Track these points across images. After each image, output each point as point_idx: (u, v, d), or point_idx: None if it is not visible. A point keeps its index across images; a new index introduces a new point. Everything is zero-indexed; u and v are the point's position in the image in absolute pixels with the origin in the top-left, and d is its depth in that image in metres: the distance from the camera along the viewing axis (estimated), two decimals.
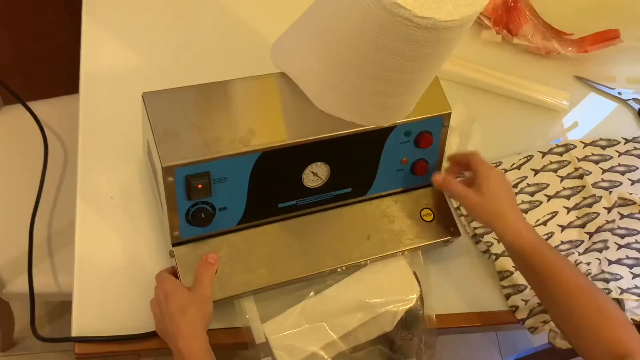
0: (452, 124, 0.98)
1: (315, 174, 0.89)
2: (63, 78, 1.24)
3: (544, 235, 1.03)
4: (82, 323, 0.86)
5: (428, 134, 0.91)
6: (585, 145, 1.15)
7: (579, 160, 1.11)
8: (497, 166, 1.09)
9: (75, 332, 0.85)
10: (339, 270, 0.92)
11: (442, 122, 0.91)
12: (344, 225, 0.93)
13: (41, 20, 1.48)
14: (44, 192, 1.08)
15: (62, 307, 1.53)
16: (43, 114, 1.20)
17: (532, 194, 1.07)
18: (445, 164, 0.98)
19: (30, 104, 1.18)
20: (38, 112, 1.17)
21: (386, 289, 0.93)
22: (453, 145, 1.04)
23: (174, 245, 0.86)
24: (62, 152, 1.26)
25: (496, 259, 1.00)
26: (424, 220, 0.97)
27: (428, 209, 0.97)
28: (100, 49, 1.09)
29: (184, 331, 0.77)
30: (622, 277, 1.01)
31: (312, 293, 0.92)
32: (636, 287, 1.00)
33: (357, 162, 0.90)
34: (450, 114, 0.92)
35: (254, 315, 0.88)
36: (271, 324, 0.89)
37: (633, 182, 1.11)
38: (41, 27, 1.50)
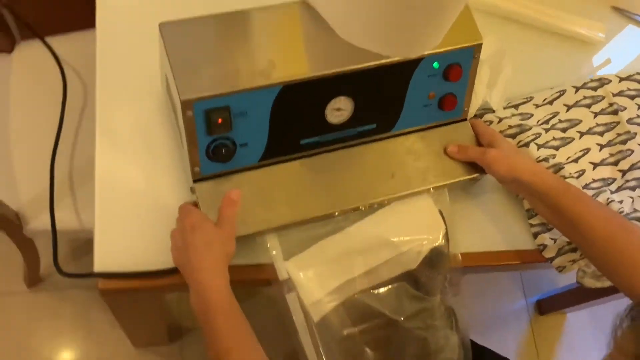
0: (482, 56, 0.93)
1: (339, 109, 0.86)
2: (81, 12, 1.20)
3: (576, 172, 1.00)
4: (105, 259, 0.85)
5: (457, 66, 0.87)
6: (621, 79, 1.09)
7: (613, 95, 1.06)
8: (528, 101, 1.05)
9: (97, 268, 0.85)
10: (361, 208, 0.90)
11: (472, 53, 0.87)
12: (368, 162, 0.91)
13: None
14: (64, 129, 1.07)
15: (87, 245, 1.53)
16: (61, 50, 1.17)
17: (564, 130, 1.03)
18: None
19: (48, 39, 1.15)
20: (56, 48, 1.15)
21: (411, 227, 0.92)
22: (483, 78, 0.99)
23: (194, 181, 0.84)
24: (81, 88, 1.24)
25: (524, 197, 0.97)
26: (451, 157, 0.94)
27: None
28: None
29: (207, 265, 0.76)
30: None
31: (335, 231, 0.90)
32: None
33: (383, 97, 0.87)
34: (481, 44, 0.87)
35: (277, 251, 0.87)
36: (295, 261, 0.88)
37: None
38: None
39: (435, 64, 0.86)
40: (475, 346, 1.08)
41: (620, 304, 1.68)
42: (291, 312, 0.86)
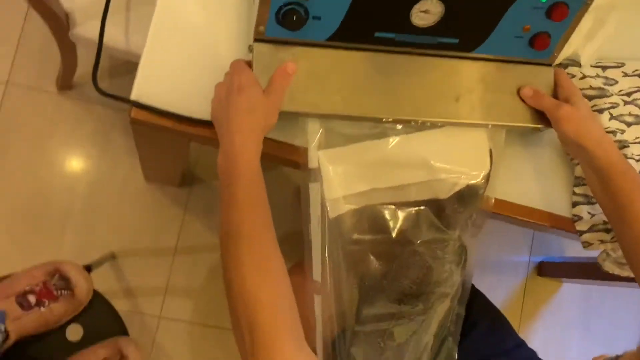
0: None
1: (426, 12, 0.79)
2: None
3: (637, 156, 0.94)
4: (144, 89, 0.82)
5: (565, 5, 0.79)
6: None
7: None
8: (618, 67, 0.97)
9: (134, 96, 0.82)
10: (413, 123, 0.85)
11: None
12: (437, 78, 0.85)
13: None
14: None
15: (126, 67, 1.51)
16: None
17: None
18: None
19: None
20: None
21: (456, 157, 0.87)
22: (583, 29, 0.91)
23: (255, 40, 0.79)
24: None
25: (578, 163, 0.92)
26: (522, 100, 0.88)
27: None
28: None
29: (244, 130, 0.73)
30: None
31: (379, 136, 0.86)
32: None
33: (477, 12, 0.80)
34: None
35: (314, 138, 0.83)
36: (328, 153, 0.84)
37: None
38: None
39: None
40: (471, 288, 1.07)
41: (619, 293, 1.66)
42: (310, 201, 0.84)
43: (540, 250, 1.76)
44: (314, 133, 0.83)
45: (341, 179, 0.85)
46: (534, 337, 1.72)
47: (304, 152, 0.83)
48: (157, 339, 1.53)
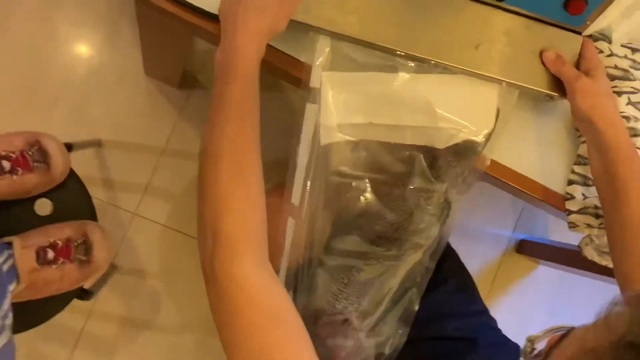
0: None
1: None
2: None
3: None
4: None
5: None
6: None
7: None
8: (633, 52, 0.93)
9: None
10: (426, 64, 0.81)
11: None
12: (462, 20, 0.81)
13: None
14: None
15: None
16: None
17: None
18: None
19: None
20: None
21: (461, 108, 0.84)
22: (623, 4, 0.86)
23: None
24: None
25: (584, 141, 0.89)
26: (542, 64, 0.84)
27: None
28: None
29: (250, 29, 0.69)
30: None
31: (388, 70, 0.82)
32: None
33: None
34: None
35: (321, 57, 0.80)
36: (333, 76, 0.81)
37: None
38: None
39: None
40: (447, 245, 1.06)
41: (590, 285, 1.66)
42: (304, 122, 0.81)
43: (524, 227, 1.75)
44: (322, 51, 0.79)
45: (340, 106, 0.82)
46: (498, 311, 1.72)
47: (307, 69, 0.80)
48: (129, 234, 1.52)
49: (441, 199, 0.91)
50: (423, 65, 0.82)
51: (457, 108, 0.84)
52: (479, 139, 0.85)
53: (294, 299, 0.90)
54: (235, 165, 0.66)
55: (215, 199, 0.65)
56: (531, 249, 1.71)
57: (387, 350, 0.94)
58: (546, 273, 1.76)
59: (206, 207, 0.66)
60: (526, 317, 1.73)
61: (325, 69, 0.80)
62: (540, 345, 0.57)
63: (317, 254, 0.92)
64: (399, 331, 0.94)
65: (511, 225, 1.74)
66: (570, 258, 1.54)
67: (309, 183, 0.83)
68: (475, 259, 1.71)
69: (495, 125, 0.85)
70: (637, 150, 0.86)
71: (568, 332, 0.53)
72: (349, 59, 0.81)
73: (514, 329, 1.69)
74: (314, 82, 0.80)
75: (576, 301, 1.77)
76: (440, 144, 0.86)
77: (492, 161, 0.88)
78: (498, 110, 0.85)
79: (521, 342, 0.67)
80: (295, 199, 0.84)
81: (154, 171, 1.52)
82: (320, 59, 0.79)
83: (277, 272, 0.87)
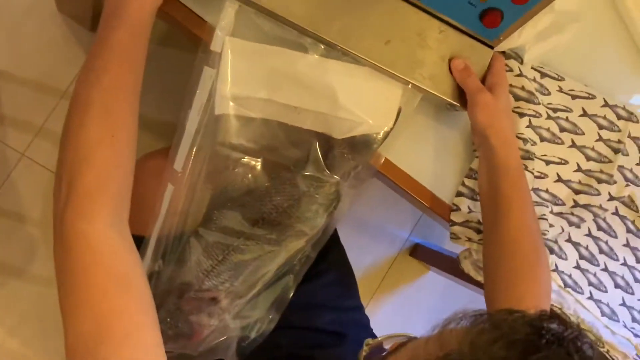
0: (555, 5, 0.81)
1: None
2: None
3: (538, 172, 0.92)
4: None
5: None
6: None
7: (629, 136, 0.96)
8: (556, 79, 0.94)
9: None
10: (334, 51, 0.79)
11: None
12: (377, 12, 0.79)
13: None
14: None
15: None
16: None
17: (562, 129, 0.94)
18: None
19: None
20: None
21: (364, 102, 0.82)
22: (539, 26, 0.86)
23: None
24: None
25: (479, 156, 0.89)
26: (450, 71, 0.83)
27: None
28: None
29: None
30: (566, 259, 0.93)
31: (296, 49, 0.79)
32: (570, 276, 0.93)
33: None
34: None
35: (227, 21, 0.75)
36: (236, 42, 0.77)
37: None
38: None
39: None
40: (333, 238, 1.04)
41: (474, 299, 1.70)
42: (199, 86, 0.77)
43: (422, 232, 1.76)
44: (228, 16, 0.75)
45: (240, 76, 0.78)
46: (379, 310, 1.73)
47: (209, 30, 0.75)
48: (13, 175, 1.43)
49: (332, 190, 0.89)
50: (332, 50, 0.79)
51: (359, 101, 0.82)
52: (377, 135, 0.84)
53: (163, 269, 0.86)
54: (105, 117, 0.61)
55: (77, 148, 0.60)
56: (424, 254, 1.73)
57: (253, 334, 0.92)
58: (435, 280, 1.79)
59: (66, 154, 0.61)
60: (404, 322, 1.75)
61: (229, 34, 0.76)
62: (377, 351, 0.56)
63: (192, 226, 0.88)
64: (269, 316, 0.92)
65: (409, 227, 1.75)
66: (458, 269, 1.56)
67: (194, 150, 0.79)
68: (369, 255, 1.72)
69: (394, 124, 0.84)
70: (527, 173, 0.87)
71: (406, 341, 0.52)
72: (256, 28, 0.77)
73: (393, 329, 1.71)
74: (214, 46, 0.76)
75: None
76: (338, 134, 0.84)
77: (387, 161, 0.87)
78: (399, 110, 0.83)
79: None
80: (178, 165, 0.80)
81: (51, 114, 1.43)
82: (224, 22, 0.75)
83: (149, 238, 0.83)
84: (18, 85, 1.41)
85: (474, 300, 1.77)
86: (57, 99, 1.43)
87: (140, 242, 0.79)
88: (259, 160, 0.86)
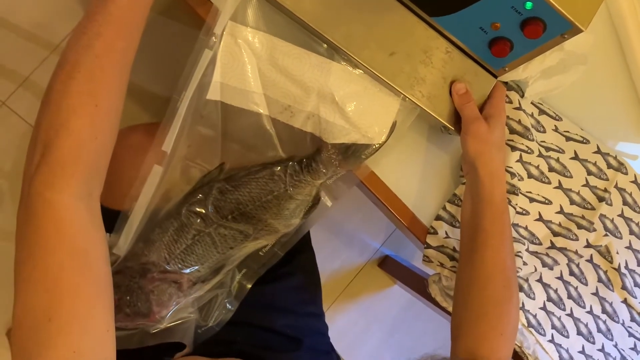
0: (566, 44, 0.79)
1: None
2: None
3: (521, 208, 0.91)
4: None
5: (543, 25, 0.72)
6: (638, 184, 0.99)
7: (616, 186, 0.96)
8: (554, 119, 0.93)
9: None
10: (337, 54, 0.77)
11: (566, 28, 0.72)
12: (386, 22, 0.77)
13: None
14: None
15: None
16: None
17: (551, 169, 0.93)
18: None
19: None
20: None
21: (360, 110, 0.80)
22: (546, 63, 0.85)
23: None
24: None
25: (464, 183, 0.88)
26: (449, 94, 0.81)
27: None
28: None
29: None
30: (534, 299, 0.92)
31: (304, 47, 0.77)
32: (535, 316, 0.92)
33: None
34: (578, 32, 0.73)
35: (232, 5, 0.73)
36: (240, 29, 0.74)
37: (630, 247, 0.98)
38: None
39: (529, 5, 0.70)
40: (304, 241, 1.02)
41: (435, 320, 1.68)
42: (196, 68, 0.74)
43: (393, 245, 1.75)
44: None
45: (238, 65, 0.76)
46: (339, 317, 1.72)
47: (214, 12, 0.73)
48: None
49: (312, 192, 0.87)
50: (335, 54, 0.77)
51: (356, 109, 0.80)
52: (368, 146, 0.82)
53: (133, 245, 0.84)
54: (91, 85, 0.58)
55: (57, 112, 0.57)
56: (392, 267, 1.72)
57: (210, 322, 0.90)
58: (399, 294, 1.78)
59: (45, 116, 0.58)
60: (363, 332, 1.74)
61: (232, 19, 0.74)
62: None
63: (168, 207, 0.86)
64: (228, 306, 0.90)
65: (382, 238, 1.74)
66: (423, 288, 1.55)
67: (185, 132, 0.77)
68: (338, 260, 1.70)
69: (387, 138, 0.82)
70: (511, 208, 0.86)
71: None
72: (261, 17, 0.75)
73: (349, 337, 1.70)
74: (218, 28, 0.73)
75: (416, 331, 1.80)
76: (329, 138, 0.82)
77: (372, 173, 0.85)
78: (394, 124, 0.82)
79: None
80: (167, 146, 0.78)
81: (39, 66, 1.39)
82: (229, 6, 0.72)
83: (126, 212, 0.80)
84: (9, 31, 1.37)
85: (434, 320, 1.77)
86: (48, 52, 1.40)
87: (113, 215, 0.77)
88: (248, 151, 0.84)
